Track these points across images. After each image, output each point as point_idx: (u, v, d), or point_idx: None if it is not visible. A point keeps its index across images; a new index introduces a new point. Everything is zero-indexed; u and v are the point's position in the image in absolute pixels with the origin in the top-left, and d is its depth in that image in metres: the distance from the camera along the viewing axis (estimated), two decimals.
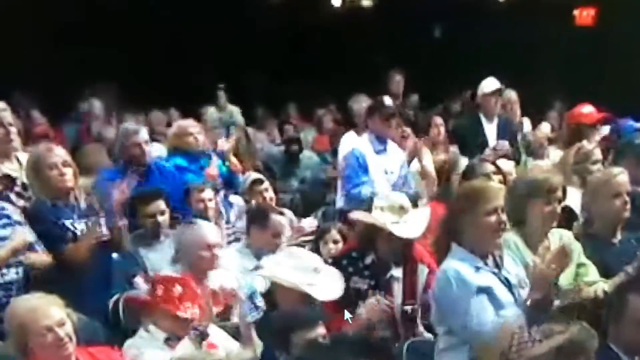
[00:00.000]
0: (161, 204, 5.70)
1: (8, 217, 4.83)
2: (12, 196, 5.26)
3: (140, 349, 4.25)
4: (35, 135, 8.52)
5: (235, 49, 12.77)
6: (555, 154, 7.15)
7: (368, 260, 4.75)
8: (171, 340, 4.28)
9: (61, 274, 4.87)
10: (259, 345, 4.29)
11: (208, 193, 6.21)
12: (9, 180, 5.32)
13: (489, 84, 7.53)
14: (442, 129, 7.74)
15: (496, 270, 3.97)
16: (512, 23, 11.53)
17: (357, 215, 5.00)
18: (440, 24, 13.54)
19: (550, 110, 9.98)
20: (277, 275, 4.48)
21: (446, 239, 4.00)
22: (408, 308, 4.69)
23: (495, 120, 7.50)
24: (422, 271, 4.79)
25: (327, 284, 4.48)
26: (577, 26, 11.95)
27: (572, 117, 7.21)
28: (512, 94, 7.98)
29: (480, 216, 3.90)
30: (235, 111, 11.04)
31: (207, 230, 5.08)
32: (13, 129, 5.48)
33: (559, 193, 4.35)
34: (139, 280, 5.27)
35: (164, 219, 5.70)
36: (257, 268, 5.19)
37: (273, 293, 4.58)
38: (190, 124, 6.80)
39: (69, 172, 5.10)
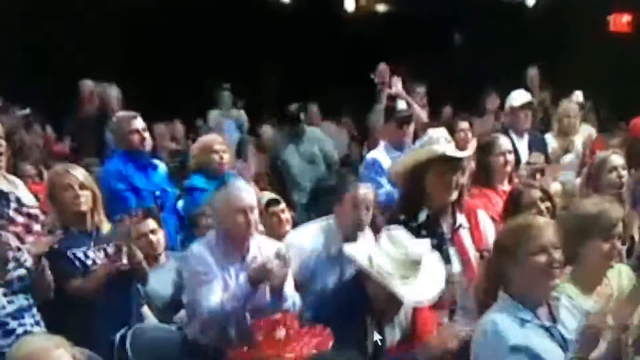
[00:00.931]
0: (150, 223, 5.59)
1: (7, 244, 4.63)
2: (11, 213, 5.06)
3: None
4: (53, 154, 8.45)
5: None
6: None
7: (422, 217, 4.54)
8: None
9: (72, 307, 4.73)
10: None
11: None
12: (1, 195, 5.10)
13: (518, 97, 7.32)
14: (470, 134, 7.26)
15: (549, 324, 3.58)
16: (542, 28, 11.38)
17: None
18: (460, 30, 13.41)
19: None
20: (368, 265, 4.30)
21: (493, 285, 3.63)
22: (484, 253, 4.41)
23: (526, 137, 7.24)
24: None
25: (425, 280, 4.28)
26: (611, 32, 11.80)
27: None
28: (570, 107, 7.69)
29: (526, 257, 3.53)
30: (241, 115, 10.86)
31: (242, 192, 4.81)
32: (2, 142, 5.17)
33: (619, 228, 3.86)
34: (146, 311, 5.28)
35: (157, 238, 5.60)
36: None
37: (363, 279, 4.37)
38: (215, 140, 6.70)
39: (85, 194, 4.92)
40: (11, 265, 4.54)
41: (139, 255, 4.96)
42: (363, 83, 9.09)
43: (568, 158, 7.29)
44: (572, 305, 3.70)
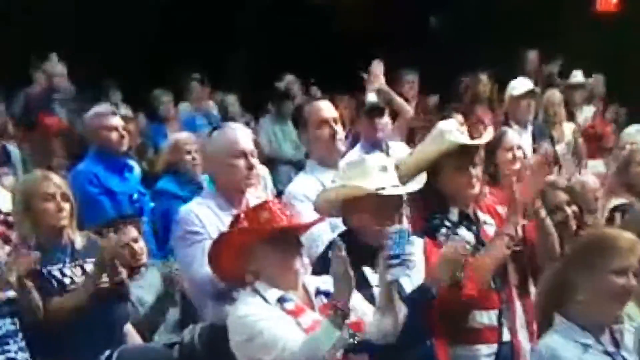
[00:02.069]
0: (132, 231, 5.34)
1: None
2: None
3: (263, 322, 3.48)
4: (44, 129, 8.00)
5: None
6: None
7: (454, 215, 4.16)
8: (286, 301, 3.59)
9: (51, 329, 4.48)
10: (401, 309, 3.61)
11: None
12: None
13: (520, 85, 7.10)
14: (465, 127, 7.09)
15: (613, 350, 3.38)
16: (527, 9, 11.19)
17: None
18: (438, 14, 13.15)
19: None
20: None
21: (549, 308, 3.42)
22: (517, 248, 4.11)
23: (529, 128, 7.00)
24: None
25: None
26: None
27: None
28: (554, 95, 7.42)
29: (604, 274, 3.29)
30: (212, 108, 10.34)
31: (239, 132, 4.40)
32: None
33: None
34: (130, 329, 5.00)
35: (139, 247, 5.35)
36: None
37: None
38: (188, 139, 6.43)
39: (67, 207, 4.62)
40: None
41: (123, 273, 4.68)
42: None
43: (558, 149, 7.10)
44: (633, 327, 3.48)
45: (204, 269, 4.09)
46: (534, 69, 9.29)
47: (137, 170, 6.35)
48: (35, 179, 4.73)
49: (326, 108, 4.93)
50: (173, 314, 5.29)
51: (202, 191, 6.00)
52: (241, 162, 4.34)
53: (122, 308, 4.84)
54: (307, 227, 3.84)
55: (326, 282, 3.64)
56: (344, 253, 3.39)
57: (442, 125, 4.26)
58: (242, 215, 3.70)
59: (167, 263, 5.37)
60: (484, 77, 8.44)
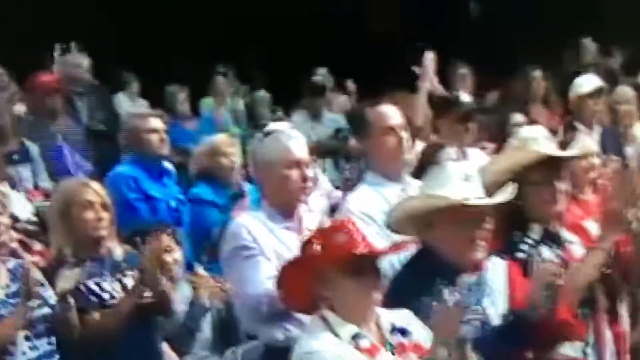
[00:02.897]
0: (165, 240, 5.02)
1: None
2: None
3: None
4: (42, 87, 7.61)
5: None
6: None
7: (536, 233, 3.87)
8: (361, 338, 3.27)
9: (89, 348, 4.25)
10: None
11: None
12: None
13: (587, 82, 6.70)
14: None
15: None
16: None
17: None
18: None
19: None
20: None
21: None
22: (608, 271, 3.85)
23: (598, 131, 6.60)
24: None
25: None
26: None
27: None
28: (626, 92, 6.94)
29: None
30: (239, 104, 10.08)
31: (293, 141, 4.11)
32: None
33: None
34: (166, 348, 4.86)
35: (173, 258, 5.06)
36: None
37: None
38: (225, 142, 6.17)
39: (106, 217, 4.42)
40: (35, 303, 4.14)
41: (166, 285, 4.45)
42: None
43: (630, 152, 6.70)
44: None
45: (259, 288, 3.90)
46: (593, 61, 8.87)
47: (174, 175, 6.14)
48: (74, 186, 4.54)
49: (392, 114, 4.60)
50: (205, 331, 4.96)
51: (241, 198, 5.95)
52: (295, 173, 4.08)
53: (163, 325, 4.65)
54: (388, 253, 3.58)
55: (403, 318, 3.38)
56: None
57: (526, 132, 3.95)
58: (316, 238, 3.39)
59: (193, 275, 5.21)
60: (537, 74, 8.05)
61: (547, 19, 10.90)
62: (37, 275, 4.31)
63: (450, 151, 5.27)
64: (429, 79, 6.39)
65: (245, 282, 3.98)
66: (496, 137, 6.64)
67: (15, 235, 4.79)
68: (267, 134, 4.23)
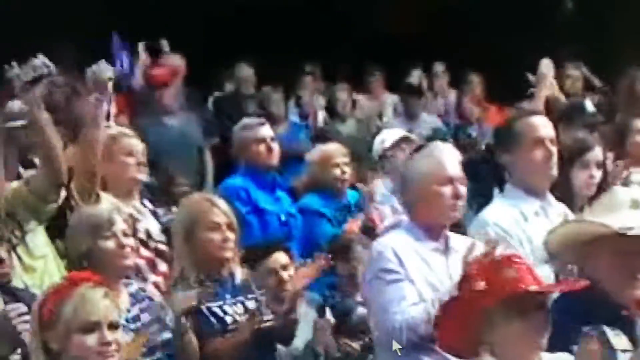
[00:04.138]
0: (282, 257, 4.90)
1: (150, 298, 4.19)
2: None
3: None
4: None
5: None
6: None
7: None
8: None
9: None
10: None
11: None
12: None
13: None
14: None
15: None
16: None
17: None
18: None
19: None
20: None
21: None
22: None
23: None
24: None
25: None
26: None
27: None
28: None
29: None
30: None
31: (447, 156, 3.90)
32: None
33: None
34: None
35: (289, 275, 4.86)
36: None
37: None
38: (337, 151, 6.00)
39: (232, 238, 4.29)
40: (154, 327, 4.00)
41: (293, 309, 4.29)
42: None
43: None
44: None
45: (401, 315, 3.69)
46: None
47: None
48: (200, 206, 4.36)
49: (543, 125, 4.35)
50: None
51: (351, 210, 5.81)
52: (447, 190, 3.85)
53: (287, 349, 4.53)
54: (561, 289, 3.29)
55: None
56: None
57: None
58: (479, 272, 3.17)
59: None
60: None
61: None
62: (159, 298, 4.22)
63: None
64: (547, 86, 6.12)
65: (386, 308, 3.76)
66: (616, 145, 6.14)
67: (146, 253, 4.75)
68: (419, 148, 4.05)
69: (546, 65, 6.09)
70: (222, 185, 5.84)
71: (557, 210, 4.38)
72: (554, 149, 4.32)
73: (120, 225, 4.03)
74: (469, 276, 3.21)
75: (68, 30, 9.67)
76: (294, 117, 9.22)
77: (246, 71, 9.26)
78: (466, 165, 7.75)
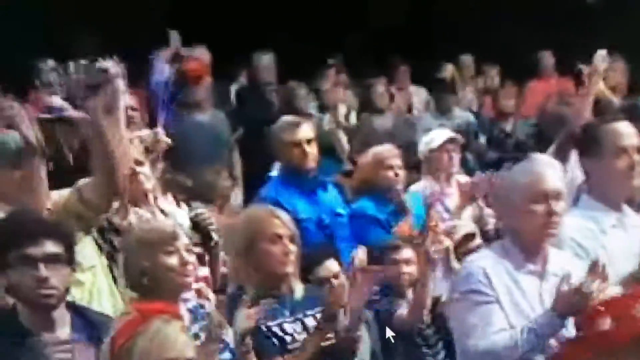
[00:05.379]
0: (333, 265, 4.73)
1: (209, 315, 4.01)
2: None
3: None
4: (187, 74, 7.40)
5: None
6: None
7: None
8: None
9: None
10: None
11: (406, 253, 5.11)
12: None
13: None
14: None
15: None
16: None
17: None
18: None
19: None
20: None
21: None
22: None
23: None
24: None
25: None
26: None
27: None
28: None
29: None
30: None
31: (547, 170, 3.71)
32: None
33: None
34: None
35: (340, 284, 4.54)
36: None
37: None
38: (389, 152, 5.82)
39: (294, 251, 4.10)
40: (216, 346, 3.74)
41: (352, 325, 4.08)
42: None
43: None
44: None
45: (485, 342, 3.54)
46: None
47: (333, 187, 5.75)
48: (260, 217, 4.17)
49: (627, 132, 4.15)
50: None
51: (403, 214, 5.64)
52: (540, 208, 3.65)
53: None
54: None
55: None
56: None
57: None
58: (605, 310, 2.99)
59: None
60: None
61: None
62: (218, 315, 4.02)
63: None
64: (598, 80, 5.92)
65: (471, 332, 3.60)
66: None
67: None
68: (516, 160, 3.87)
69: (602, 57, 5.88)
70: (256, 197, 5.58)
71: (634, 222, 4.21)
72: (638, 158, 4.12)
73: (183, 241, 3.85)
74: (592, 316, 3.04)
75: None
76: (313, 110, 9.07)
77: (266, 60, 9.03)
78: (500, 163, 7.63)
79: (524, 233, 3.70)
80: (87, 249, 4.28)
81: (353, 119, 9.24)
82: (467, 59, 10.30)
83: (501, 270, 3.66)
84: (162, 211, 5.18)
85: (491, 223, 6.03)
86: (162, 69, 7.02)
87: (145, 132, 5.69)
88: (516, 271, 3.66)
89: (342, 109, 9.22)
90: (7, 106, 4.05)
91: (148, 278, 3.74)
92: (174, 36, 7.50)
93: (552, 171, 3.75)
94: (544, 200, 3.65)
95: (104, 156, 3.92)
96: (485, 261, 3.71)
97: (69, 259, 3.35)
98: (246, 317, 3.90)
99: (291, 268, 4.10)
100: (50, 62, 7.76)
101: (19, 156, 4.00)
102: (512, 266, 3.68)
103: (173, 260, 3.78)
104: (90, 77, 3.91)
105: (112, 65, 3.87)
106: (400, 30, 11.84)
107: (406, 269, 5.10)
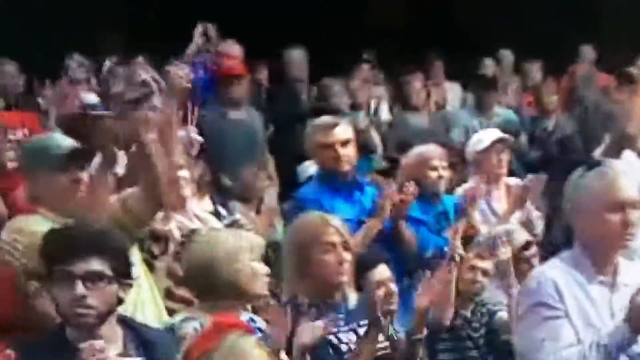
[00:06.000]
0: (385, 270, 4.51)
1: (261, 329, 3.85)
2: None
3: None
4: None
5: None
6: None
7: None
8: None
9: None
10: None
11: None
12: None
13: None
14: None
15: None
16: None
17: None
18: None
19: None
20: None
21: None
22: None
23: None
24: None
25: None
26: None
27: None
28: None
29: None
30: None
31: (621, 179, 3.50)
32: None
33: None
34: None
35: (390, 289, 4.41)
36: None
37: None
38: (435, 152, 5.62)
39: (348, 259, 3.99)
40: None
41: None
42: None
43: None
44: None
45: (553, 358, 3.37)
46: None
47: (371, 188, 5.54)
48: (314, 224, 4.04)
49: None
50: None
51: (448, 216, 5.49)
52: (615, 218, 3.45)
53: None
54: None
55: None
56: None
57: None
58: None
59: None
60: None
61: None
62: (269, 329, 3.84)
63: None
64: None
65: (538, 347, 3.42)
66: None
67: None
68: (591, 166, 3.64)
69: None
70: (294, 197, 5.41)
71: None
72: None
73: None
74: None
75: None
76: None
77: (298, 55, 8.83)
78: (542, 162, 7.41)
79: (597, 243, 3.51)
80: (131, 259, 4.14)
81: (384, 115, 9.07)
82: (507, 54, 10.08)
83: (571, 282, 3.48)
84: (197, 217, 5.09)
85: (539, 227, 5.89)
86: (195, 68, 6.88)
87: (180, 133, 5.53)
88: (587, 282, 3.49)
89: (372, 106, 9.08)
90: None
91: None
92: (210, 28, 7.34)
93: (628, 179, 3.54)
94: (620, 209, 3.46)
95: (148, 169, 3.85)
96: (555, 272, 3.51)
97: (117, 276, 3.17)
98: (311, 329, 3.73)
99: (345, 277, 3.98)
100: (77, 57, 7.63)
101: (65, 160, 3.87)
102: (583, 277, 3.49)
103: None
104: (132, 89, 3.85)
105: (151, 79, 3.80)
106: (434, 24, 11.67)
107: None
